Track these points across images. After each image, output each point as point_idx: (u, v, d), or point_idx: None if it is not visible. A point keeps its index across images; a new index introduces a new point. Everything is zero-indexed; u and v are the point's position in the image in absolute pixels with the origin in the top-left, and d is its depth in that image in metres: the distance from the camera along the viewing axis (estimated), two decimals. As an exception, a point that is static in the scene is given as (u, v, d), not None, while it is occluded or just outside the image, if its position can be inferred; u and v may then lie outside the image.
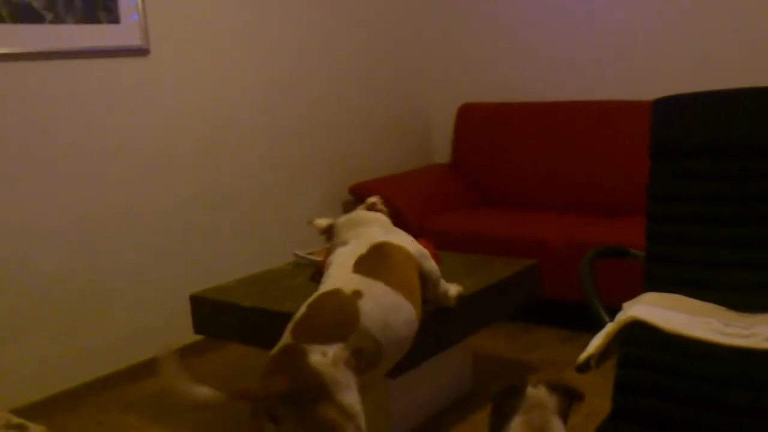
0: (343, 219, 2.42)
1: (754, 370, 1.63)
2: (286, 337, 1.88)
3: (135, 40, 3.24)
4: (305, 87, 4.01)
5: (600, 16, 4.02)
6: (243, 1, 3.68)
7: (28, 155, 2.97)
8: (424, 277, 2.30)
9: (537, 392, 1.57)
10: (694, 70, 3.78)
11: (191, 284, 3.44)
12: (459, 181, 4.34)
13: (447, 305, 2.48)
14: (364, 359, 1.90)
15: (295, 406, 1.74)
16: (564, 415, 1.56)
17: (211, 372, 3.35)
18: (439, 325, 2.49)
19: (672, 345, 1.71)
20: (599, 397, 2.19)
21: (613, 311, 1.74)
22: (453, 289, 2.50)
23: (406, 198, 3.96)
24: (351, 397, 1.80)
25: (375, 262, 2.12)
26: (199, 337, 3.46)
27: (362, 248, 2.18)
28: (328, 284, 2.06)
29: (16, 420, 1.85)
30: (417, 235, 2.67)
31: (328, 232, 2.45)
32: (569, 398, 1.59)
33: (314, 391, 1.75)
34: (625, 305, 1.78)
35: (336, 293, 1.99)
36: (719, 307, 1.76)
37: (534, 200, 4.09)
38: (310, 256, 3.05)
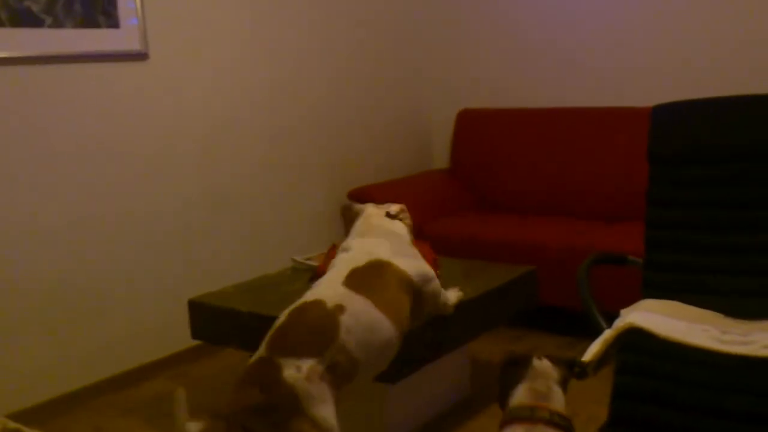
0: (362, 220, 2.35)
1: (752, 377, 1.63)
2: (262, 350, 1.89)
3: (134, 45, 3.24)
4: (304, 90, 4.02)
5: (599, 24, 4.02)
6: (242, 5, 3.69)
7: (27, 159, 2.97)
8: (423, 298, 2.25)
9: (542, 363, 1.71)
10: (694, 77, 3.79)
11: (190, 287, 3.43)
12: (458, 186, 4.34)
13: (446, 314, 2.48)
14: (340, 374, 1.90)
15: (269, 419, 1.75)
16: (564, 386, 1.72)
17: (209, 377, 3.35)
18: (438, 330, 2.49)
19: (670, 352, 1.71)
20: (597, 403, 2.19)
21: (612, 317, 1.74)
22: (453, 296, 2.48)
23: (405, 203, 3.94)
24: (325, 411, 1.81)
25: (367, 278, 2.09)
26: (196, 342, 3.45)
27: (360, 261, 2.14)
28: (314, 292, 2.06)
29: (12, 425, 1.85)
30: (416, 239, 2.67)
31: (348, 217, 2.40)
32: (570, 370, 1.72)
33: (287, 405, 1.76)
34: (623, 312, 1.78)
35: (319, 305, 1.98)
36: (717, 314, 1.76)
37: (533, 206, 4.09)
38: (308, 262, 3.05)
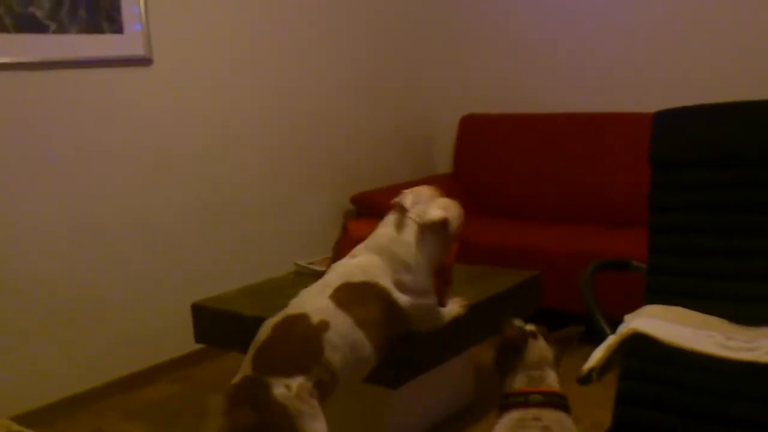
0: (382, 230, 2.26)
1: (757, 383, 1.63)
2: (247, 368, 1.90)
3: (138, 50, 3.25)
4: (308, 96, 4.02)
5: (603, 30, 4.03)
6: (246, 12, 3.69)
7: (29, 164, 2.97)
8: (410, 322, 2.22)
9: (538, 345, 1.84)
10: (695, 83, 3.79)
11: (192, 293, 3.43)
12: (461, 191, 4.34)
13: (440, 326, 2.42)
14: (323, 390, 1.93)
15: None
16: (557, 365, 1.86)
17: (211, 381, 3.35)
18: (441, 335, 2.48)
19: (674, 358, 1.70)
20: (601, 409, 2.19)
21: (615, 323, 1.74)
22: (448, 315, 2.41)
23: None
24: (317, 426, 1.85)
25: (354, 296, 2.08)
26: (199, 345, 3.45)
27: (355, 277, 2.12)
28: (299, 303, 2.06)
29: (16, 428, 1.86)
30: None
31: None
32: (563, 347, 1.88)
33: (281, 424, 1.79)
34: (627, 317, 1.78)
35: (303, 319, 1.98)
36: (722, 320, 1.76)
37: (536, 211, 4.09)
38: (311, 266, 3.05)
